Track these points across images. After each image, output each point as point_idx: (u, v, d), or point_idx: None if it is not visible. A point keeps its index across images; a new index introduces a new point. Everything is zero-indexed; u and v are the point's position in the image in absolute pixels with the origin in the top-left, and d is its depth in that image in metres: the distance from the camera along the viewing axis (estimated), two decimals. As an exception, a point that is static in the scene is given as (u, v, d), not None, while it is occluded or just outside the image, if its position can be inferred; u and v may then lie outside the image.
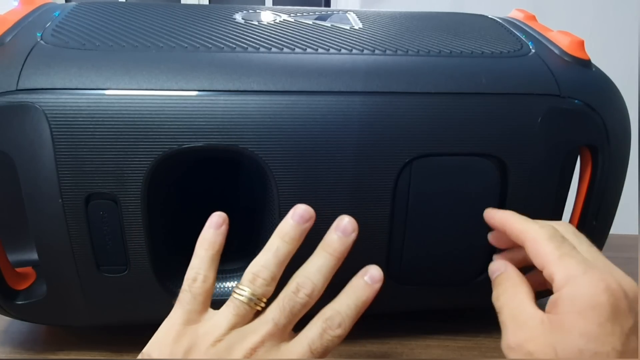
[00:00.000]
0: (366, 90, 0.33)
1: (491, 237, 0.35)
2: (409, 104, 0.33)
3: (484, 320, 0.41)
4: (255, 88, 0.32)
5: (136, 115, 0.30)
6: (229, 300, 0.29)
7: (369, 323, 0.42)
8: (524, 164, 0.34)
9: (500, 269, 0.32)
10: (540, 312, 0.27)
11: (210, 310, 0.30)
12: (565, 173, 0.39)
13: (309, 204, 0.33)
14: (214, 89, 0.32)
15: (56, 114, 0.30)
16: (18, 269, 0.37)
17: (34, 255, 0.34)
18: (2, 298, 0.34)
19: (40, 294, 0.35)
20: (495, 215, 0.33)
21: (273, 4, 1.55)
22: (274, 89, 0.32)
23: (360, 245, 0.35)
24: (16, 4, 0.38)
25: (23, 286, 0.36)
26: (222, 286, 0.36)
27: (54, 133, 0.30)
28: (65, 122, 0.30)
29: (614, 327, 0.25)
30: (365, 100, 0.33)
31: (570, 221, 0.39)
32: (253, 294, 0.29)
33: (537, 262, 0.28)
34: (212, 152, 0.32)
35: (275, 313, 0.29)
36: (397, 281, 0.37)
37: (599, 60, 0.39)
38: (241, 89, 0.32)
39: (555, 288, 0.27)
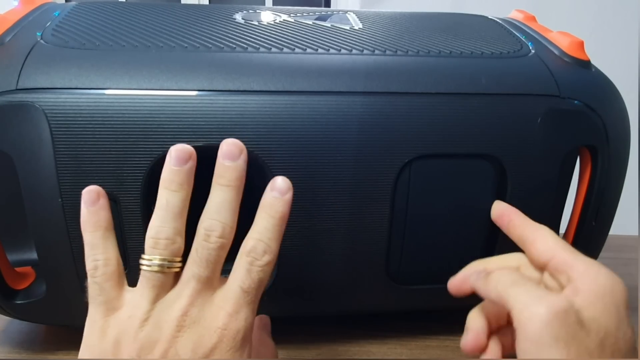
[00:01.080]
0: (366, 90, 0.33)
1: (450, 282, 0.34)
2: (408, 105, 0.33)
3: (484, 321, 0.41)
4: (255, 88, 0.32)
5: (136, 115, 0.30)
6: (140, 275, 0.26)
7: (368, 323, 0.42)
8: (523, 164, 0.34)
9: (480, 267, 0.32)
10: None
11: (129, 290, 0.27)
12: (565, 174, 0.39)
13: (308, 204, 0.33)
14: (214, 88, 0.32)
15: (56, 113, 0.30)
16: (17, 269, 0.37)
17: (34, 255, 0.34)
18: (2, 297, 0.34)
19: (39, 294, 0.35)
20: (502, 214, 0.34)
21: (273, 4, 1.55)
22: (273, 89, 0.32)
23: (359, 245, 0.35)
24: (16, 3, 0.38)
25: (22, 286, 0.36)
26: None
27: (54, 132, 0.30)
28: (65, 122, 0.30)
29: (625, 312, 0.27)
30: (365, 100, 0.33)
31: (570, 222, 0.39)
32: (161, 259, 0.26)
33: (548, 254, 0.29)
34: (212, 152, 0.32)
35: (194, 268, 0.26)
36: (396, 281, 0.37)
37: (598, 61, 0.39)
38: (241, 89, 0.32)
39: (572, 278, 0.28)
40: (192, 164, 0.27)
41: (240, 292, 0.26)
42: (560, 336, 0.25)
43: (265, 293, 0.27)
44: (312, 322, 0.41)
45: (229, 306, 0.26)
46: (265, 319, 0.34)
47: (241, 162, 0.27)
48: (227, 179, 0.27)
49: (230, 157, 0.27)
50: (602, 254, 0.41)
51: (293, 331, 0.40)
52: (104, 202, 0.28)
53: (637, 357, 0.26)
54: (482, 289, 0.30)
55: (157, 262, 0.26)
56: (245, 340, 0.26)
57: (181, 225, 0.27)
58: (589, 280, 0.27)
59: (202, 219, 0.27)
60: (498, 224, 0.34)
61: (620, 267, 0.56)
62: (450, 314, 0.43)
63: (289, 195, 0.27)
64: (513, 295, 0.27)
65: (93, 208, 0.27)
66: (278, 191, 0.27)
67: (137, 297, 0.26)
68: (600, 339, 0.25)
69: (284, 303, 0.37)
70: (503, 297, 0.28)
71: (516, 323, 0.26)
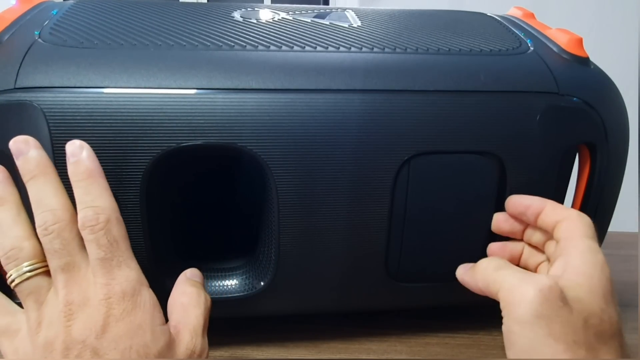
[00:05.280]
0: (365, 88, 0.33)
1: (497, 219, 0.35)
2: (407, 102, 0.33)
3: (483, 318, 0.41)
4: (254, 86, 0.32)
5: (134, 114, 0.30)
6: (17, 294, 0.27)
7: (368, 320, 0.42)
8: (522, 161, 0.34)
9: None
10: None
11: (20, 311, 0.28)
12: (564, 171, 0.39)
13: (307, 202, 0.33)
14: (213, 87, 0.31)
15: (54, 112, 0.30)
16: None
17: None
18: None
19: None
20: (530, 197, 0.33)
21: (272, 2, 1.54)
22: (272, 87, 0.32)
23: (358, 243, 0.35)
24: (14, 2, 0.38)
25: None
26: (222, 284, 0.36)
27: (52, 131, 0.30)
28: (63, 121, 0.30)
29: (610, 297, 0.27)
30: (364, 98, 0.33)
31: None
32: (17, 269, 0.26)
33: (561, 234, 0.30)
34: (211, 150, 0.32)
35: (52, 263, 0.27)
36: (395, 279, 0.37)
37: (597, 58, 0.39)
38: (240, 87, 0.32)
39: (568, 255, 0.29)
40: (4, 175, 0.28)
41: (102, 263, 0.27)
42: (543, 313, 0.26)
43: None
44: (311, 320, 0.41)
45: (100, 279, 0.26)
46: (192, 272, 0.32)
47: (33, 152, 0.28)
48: (28, 173, 0.28)
49: (20, 153, 0.28)
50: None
51: (293, 329, 0.40)
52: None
53: (633, 356, 0.26)
54: (471, 282, 0.32)
55: (15, 274, 0.27)
56: (137, 295, 0.27)
57: (22, 230, 0.27)
58: (580, 261, 0.28)
59: (35, 214, 0.27)
60: (520, 217, 0.34)
61: (619, 263, 0.56)
62: (450, 312, 0.43)
63: (84, 152, 0.28)
64: (499, 280, 0.28)
65: None
66: (71, 155, 0.28)
67: (25, 312, 0.27)
68: (583, 318, 0.26)
69: (283, 301, 0.37)
70: (490, 282, 0.29)
71: (502, 305, 0.28)
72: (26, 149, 0.28)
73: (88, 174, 0.28)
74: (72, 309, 0.26)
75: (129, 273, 0.27)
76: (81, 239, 0.27)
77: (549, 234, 0.32)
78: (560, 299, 0.26)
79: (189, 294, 0.30)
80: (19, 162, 0.28)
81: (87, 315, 0.26)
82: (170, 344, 0.27)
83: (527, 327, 0.26)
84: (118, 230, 0.27)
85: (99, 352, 0.25)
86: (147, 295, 0.27)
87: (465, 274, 0.32)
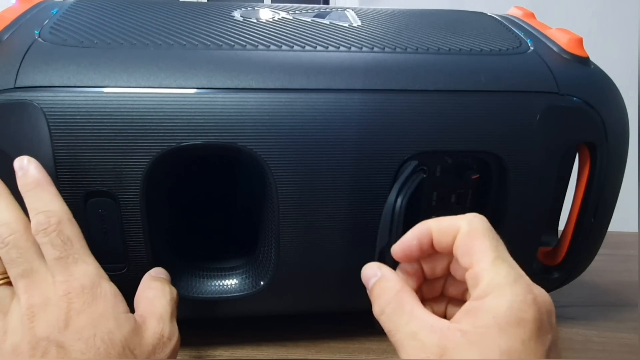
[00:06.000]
0: (365, 88, 0.33)
1: (396, 248, 0.28)
2: (407, 102, 0.33)
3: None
4: (254, 86, 0.32)
5: (134, 113, 0.30)
6: None
7: (368, 320, 0.42)
8: (522, 161, 0.35)
9: (376, 274, 0.28)
10: (444, 322, 0.24)
11: None
12: (564, 170, 0.39)
13: (307, 202, 0.33)
14: (213, 86, 0.31)
15: (54, 111, 0.30)
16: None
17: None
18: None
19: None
20: (411, 233, 0.28)
21: (272, 2, 1.54)
22: (272, 87, 0.32)
23: (358, 242, 0.35)
24: (14, 1, 0.38)
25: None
26: (222, 284, 0.36)
27: (52, 131, 0.30)
28: (63, 120, 0.30)
29: (537, 345, 0.23)
30: (364, 98, 0.33)
31: (569, 218, 0.39)
32: None
33: (466, 259, 0.25)
34: (211, 150, 0.32)
35: (10, 272, 0.28)
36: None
37: (597, 58, 0.39)
38: (240, 86, 0.32)
39: (476, 294, 0.24)
40: None
41: (58, 262, 0.27)
42: None
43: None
44: (311, 319, 0.41)
45: (59, 277, 0.27)
46: (156, 270, 0.33)
47: None
48: None
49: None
50: (600, 251, 0.41)
51: (292, 329, 0.40)
52: None
53: (633, 356, 0.26)
54: (369, 294, 0.28)
55: None
56: (96, 288, 0.28)
57: None
58: (487, 310, 0.23)
59: None
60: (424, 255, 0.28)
61: (619, 263, 0.56)
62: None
63: (32, 165, 0.29)
64: (392, 328, 0.26)
65: None
66: (19, 169, 0.29)
67: None
68: None
69: (283, 301, 0.37)
70: (381, 319, 0.27)
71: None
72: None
73: (36, 183, 0.28)
74: (34, 311, 0.27)
75: (86, 268, 0.28)
76: (38, 247, 0.28)
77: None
78: None
79: (153, 288, 0.31)
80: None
81: (48, 314, 0.27)
82: (136, 330, 0.28)
83: None
84: (71, 229, 0.28)
85: (64, 345, 0.26)
86: (107, 287, 0.28)
87: (369, 282, 0.28)
